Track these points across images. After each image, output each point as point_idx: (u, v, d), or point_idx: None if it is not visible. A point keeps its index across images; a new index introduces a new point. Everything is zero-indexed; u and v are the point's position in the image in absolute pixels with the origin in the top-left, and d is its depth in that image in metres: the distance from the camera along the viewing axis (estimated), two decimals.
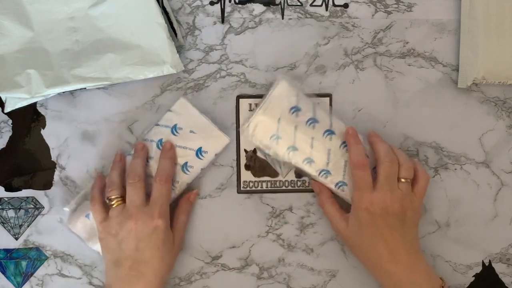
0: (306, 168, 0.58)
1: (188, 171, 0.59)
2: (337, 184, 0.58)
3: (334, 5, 0.62)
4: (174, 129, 0.59)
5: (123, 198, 0.55)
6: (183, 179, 0.59)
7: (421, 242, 0.61)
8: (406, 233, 0.55)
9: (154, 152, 0.58)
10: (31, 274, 0.60)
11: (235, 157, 0.61)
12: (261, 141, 0.58)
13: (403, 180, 0.56)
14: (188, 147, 0.59)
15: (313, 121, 0.58)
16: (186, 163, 0.58)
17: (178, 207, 0.59)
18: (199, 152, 0.59)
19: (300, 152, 0.58)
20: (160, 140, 0.58)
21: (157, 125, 0.59)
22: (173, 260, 0.58)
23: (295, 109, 0.58)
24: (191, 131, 0.59)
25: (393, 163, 0.55)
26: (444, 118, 0.62)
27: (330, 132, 0.58)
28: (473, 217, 0.62)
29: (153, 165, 0.58)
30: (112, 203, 0.55)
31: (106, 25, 0.58)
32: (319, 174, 0.58)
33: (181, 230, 0.58)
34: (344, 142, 0.58)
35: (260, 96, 0.60)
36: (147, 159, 0.58)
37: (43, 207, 0.61)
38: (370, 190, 0.55)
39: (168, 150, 0.58)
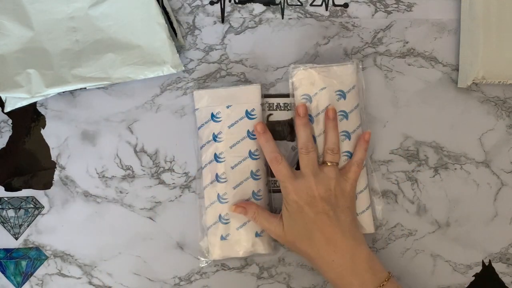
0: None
1: (254, 135, 0.58)
2: None
3: (334, 4, 0.62)
4: (213, 116, 0.58)
5: None
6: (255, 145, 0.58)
7: (421, 242, 0.61)
8: (339, 217, 0.54)
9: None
10: (31, 274, 0.60)
11: None
12: (296, 87, 0.59)
13: (328, 163, 0.55)
14: (237, 119, 0.58)
15: (343, 116, 0.58)
16: (248, 131, 0.58)
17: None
18: (248, 114, 0.58)
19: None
20: (214, 134, 0.58)
21: (200, 127, 0.59)
22: None
23: (341, 95, 0.58)
24: (228, 106, 0.58)
25: (310, 151, 0.55)
26: (444, 118, 0.62)
27: (346, 134, 0.58)
28: (473, 217, 0.62)
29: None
30: None
31: (106, 25, 0.58)
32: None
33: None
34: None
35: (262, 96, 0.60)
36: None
37: (43, 207, 0.61)
38: (293, 180, 0.54)
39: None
